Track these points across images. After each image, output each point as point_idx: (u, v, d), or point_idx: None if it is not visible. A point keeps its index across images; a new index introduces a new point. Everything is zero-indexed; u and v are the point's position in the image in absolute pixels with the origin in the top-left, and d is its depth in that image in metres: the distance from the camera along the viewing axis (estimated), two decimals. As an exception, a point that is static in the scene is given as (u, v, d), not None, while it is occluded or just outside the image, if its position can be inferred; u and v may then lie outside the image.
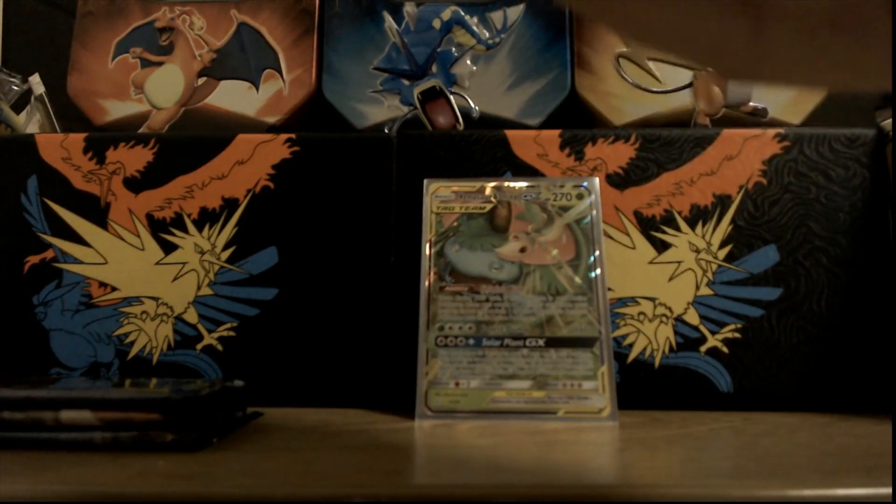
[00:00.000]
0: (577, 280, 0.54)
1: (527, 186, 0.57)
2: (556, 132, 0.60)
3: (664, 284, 0.58)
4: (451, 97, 0.66)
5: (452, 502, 0.31)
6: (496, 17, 0.68)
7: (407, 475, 0.35)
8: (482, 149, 0.60)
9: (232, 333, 0.58)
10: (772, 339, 0.57)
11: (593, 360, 0.51)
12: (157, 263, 0.60)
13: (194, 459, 0.37)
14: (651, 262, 0.58)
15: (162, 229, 0.60)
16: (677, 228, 0.58)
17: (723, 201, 0.58)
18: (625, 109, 0.65)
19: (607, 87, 0.66)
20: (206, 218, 0.60)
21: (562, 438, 0.44)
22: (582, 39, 0.67)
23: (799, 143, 0.59)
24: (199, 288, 0.59)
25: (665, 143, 0.59)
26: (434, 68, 0.67)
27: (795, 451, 0.40)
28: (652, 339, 0.57)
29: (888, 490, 0.31)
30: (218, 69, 0.68)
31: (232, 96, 0.67)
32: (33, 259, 0.60)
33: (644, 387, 0.56)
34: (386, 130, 0.66)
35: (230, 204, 0.60)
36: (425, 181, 0.58)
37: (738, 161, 0.59)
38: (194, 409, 0.40)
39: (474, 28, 0.67)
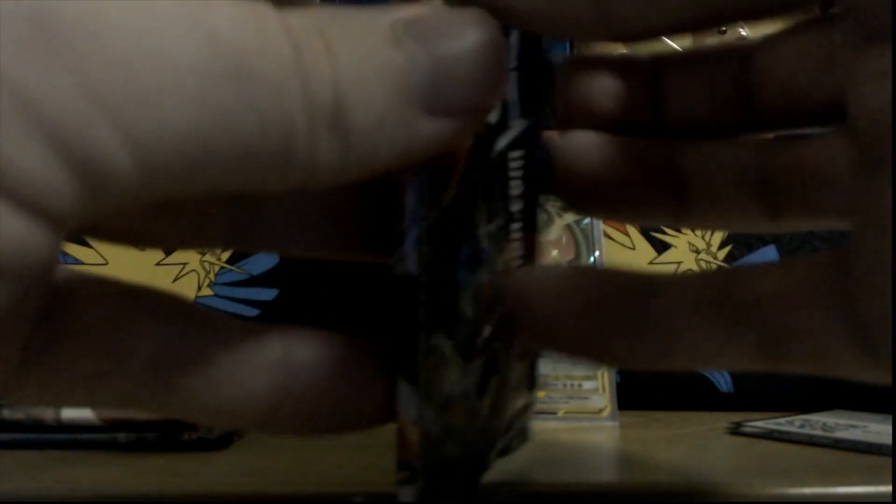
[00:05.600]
0: (577, 280, 0.53)
1: (527, 187, 0.57)
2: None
3: (664, 285, 0.58)
4: (451, 97, 0.66)
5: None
6: (496, 17, 0.68)
7: (407, 475, 0.35)
8: (482, 149, 0.60)
9: (232, 334, 0.58)
10: (772, 340, 0.57)
11: (593, 361, 0.51)
12: (158, 264, 0.59)
13: (194, 459, 0.37)
14: (651, 263, 0.58)
15: (162, 229, 0.60)
16: (677, 229, 0.58)
17: (723, 201, 0.58)
18: (625, 110, 0.65)
19: (607, 87, 0.66)
20: (207, 218, 0.60)
21: (562, 438, 0.44)
22: (582, 40, 0.67)
23: (799, 144, 0.59)
24: (199, 289, 0.59)
25: (665, 144, 0.59)
26: (434, 69, 0.67)
27: (795, 451, 0.40)
28: (652, 340, 0.57)
29: (888, 489, 0.31)
30: (218, 70, 0.68)
31: (232, 97, 0.67)
32: (33, 259, 0.60)
33: (644, 387, 0.56)
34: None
35: (230, 204, 0.60)
36: (425, 181, 0.58)
37: (738, 161, 0.59)
38: None
39: (474, 28, 0.67)
